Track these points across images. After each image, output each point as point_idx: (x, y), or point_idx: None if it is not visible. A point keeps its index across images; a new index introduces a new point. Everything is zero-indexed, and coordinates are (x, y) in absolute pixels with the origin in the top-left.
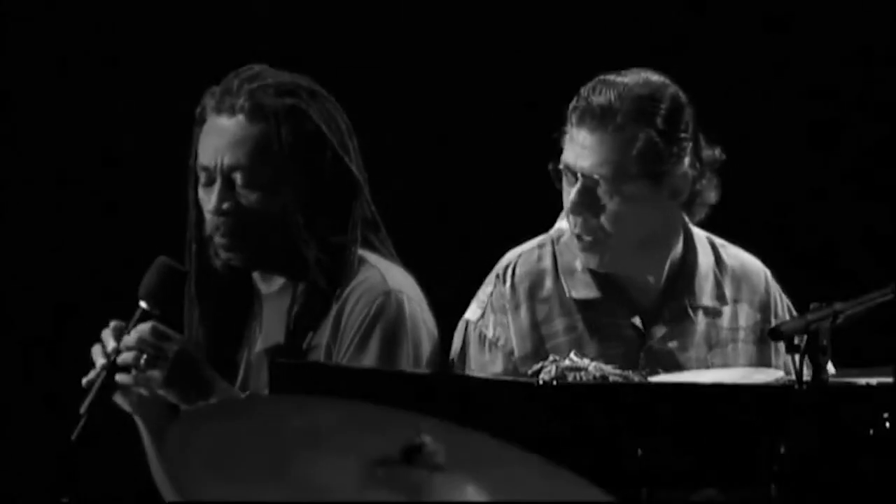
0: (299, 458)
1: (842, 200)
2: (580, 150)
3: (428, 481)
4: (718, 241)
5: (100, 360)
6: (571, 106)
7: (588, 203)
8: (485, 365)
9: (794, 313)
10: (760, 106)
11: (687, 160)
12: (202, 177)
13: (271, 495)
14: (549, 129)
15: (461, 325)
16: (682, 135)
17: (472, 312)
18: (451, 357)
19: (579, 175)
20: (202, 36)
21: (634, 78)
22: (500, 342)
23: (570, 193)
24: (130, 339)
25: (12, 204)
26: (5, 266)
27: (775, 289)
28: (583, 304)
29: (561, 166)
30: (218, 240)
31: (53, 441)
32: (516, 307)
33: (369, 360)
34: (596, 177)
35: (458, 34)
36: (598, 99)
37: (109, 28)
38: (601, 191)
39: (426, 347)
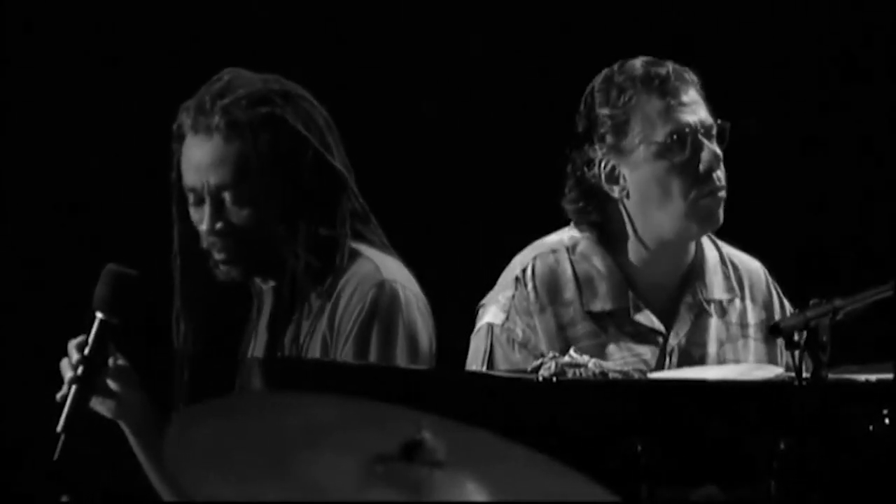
0: (298, 455)
1: (842, 200)
2: (688, 106)
3: (428, 478)
4: (717, 240)
5: (68, 374)
6: (639, 78)
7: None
8: (517, 365)
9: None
10: (759, 105)
11: None
12: (190, 197)
13: (270, 494)
14: (548, 127)
15: (484, 330)
16: None
17: (494, 316)
18: (468, 362)
19: (706, 128)
20: (186, 35)
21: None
22: (531, 344)
23: (705, 153)
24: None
25: None
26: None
27: (775, 287)
28: (601, 316)
29: (674, 134)
30: (215, 255)
31: (52, 439)
32: (541, 309)
33: (371, 357)
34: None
35: (461, 28)
36: (666, 66)
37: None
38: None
39: (423, 337)
